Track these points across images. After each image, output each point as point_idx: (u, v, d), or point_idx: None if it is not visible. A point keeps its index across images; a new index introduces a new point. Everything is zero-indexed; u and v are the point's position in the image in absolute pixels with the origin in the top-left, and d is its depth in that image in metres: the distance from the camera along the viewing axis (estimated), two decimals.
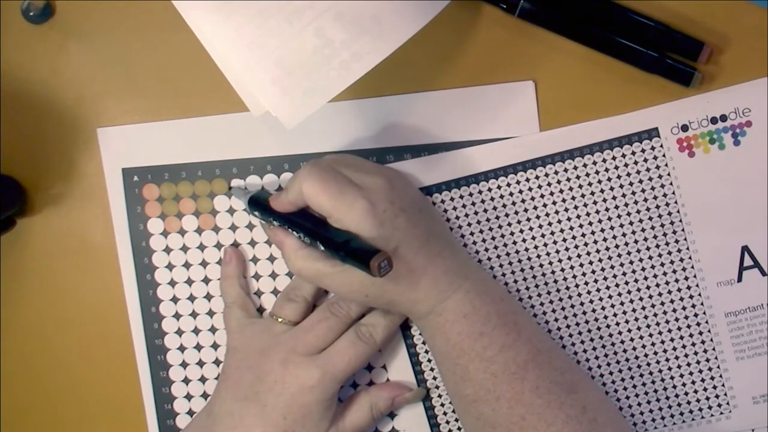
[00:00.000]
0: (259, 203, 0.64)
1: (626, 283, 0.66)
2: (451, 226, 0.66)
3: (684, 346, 0.67)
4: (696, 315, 0.66)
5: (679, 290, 0.66)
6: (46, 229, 0.68)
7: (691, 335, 0.66)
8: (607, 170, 0.66)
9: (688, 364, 0.67)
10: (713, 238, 0.66)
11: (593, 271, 0.66)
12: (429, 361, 0.67)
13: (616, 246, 0.66)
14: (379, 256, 0.56)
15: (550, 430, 0.59)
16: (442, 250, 0.61)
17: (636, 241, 0.66)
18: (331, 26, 0.58)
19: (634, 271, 0.66)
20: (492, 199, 0.66)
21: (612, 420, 0.62)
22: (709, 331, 0.66)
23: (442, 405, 0.67)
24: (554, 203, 0.66)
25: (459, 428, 0.67)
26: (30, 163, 0.67)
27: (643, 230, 0.66)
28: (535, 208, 0.66)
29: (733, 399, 0.67)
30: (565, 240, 0.66)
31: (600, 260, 0.66)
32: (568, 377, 0.61)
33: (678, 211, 0.66)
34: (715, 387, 0.67)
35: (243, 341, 0.64)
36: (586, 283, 0.66)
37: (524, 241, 0.66)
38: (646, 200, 0.66)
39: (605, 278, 0.66)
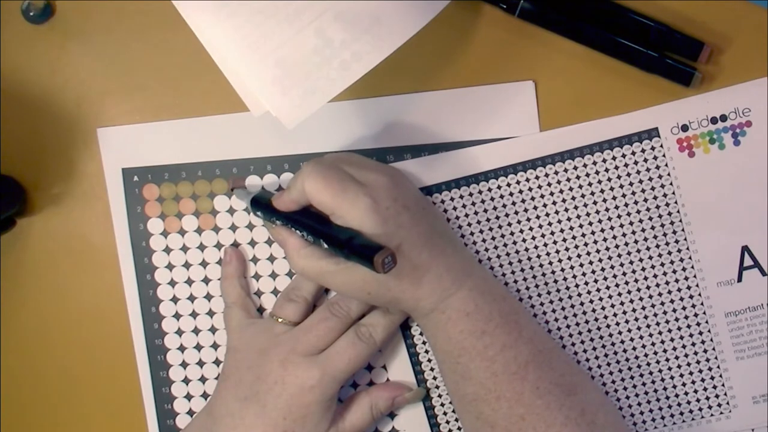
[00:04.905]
0: (261, 203, 0.64)
1: (626, 283, 0.66)
2: (451, 225, 0.66)
3: (684, 346, 0.67)
4: (696, 315, 0.66)
5: (679, 290, 0.66)
6: (46, 229, 0.68)
7: (691, 335, 0.66)
8: (607, 170, 0.66)
9: (688, 364, 0.67)
10: (713, 238, 0.66)
11: (593, 271, 0.66)
12: (429, 361, 0.67)
13: (616, 246, 0.66)
14: (382, 252, 0.55)
15: (549, 431, 0.59)
16: (445, 248, 0.61)
17: (636, 241, 0.66)
18: (331, 26, 0.58)
19: (634, 271, 0.66)
20: (492, 199, 0.66)
21: (611, 422, 0.62)
22: (709, 331, 0.66)
23: (442, 405, 0.67)
24: (554, 203, 0.66)
25: (459, 428, 0.67)
26: (30, 163, 0.67)
27: (643, 230, 0.66)
28: (535, 208, 0.66)
29: (733, 399, 0.67)
30: (565, 240, 0.66)
31: (600, 260, 0.66)
32: (568, 378, 0.61)
33: (678, 211, 0.66)
34: (715, 387, 0.67)
35: (243, 341, 0.64)
36: (586, 283, 0.66)
37: (524, 241, 0.66)
38: (646, 200, 0.66)
39: (605, 278, 0.66)
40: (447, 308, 0.60)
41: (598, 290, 0.66)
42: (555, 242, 0.66)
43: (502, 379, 0.59)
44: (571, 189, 0.66)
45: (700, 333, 0.66)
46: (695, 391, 0.67)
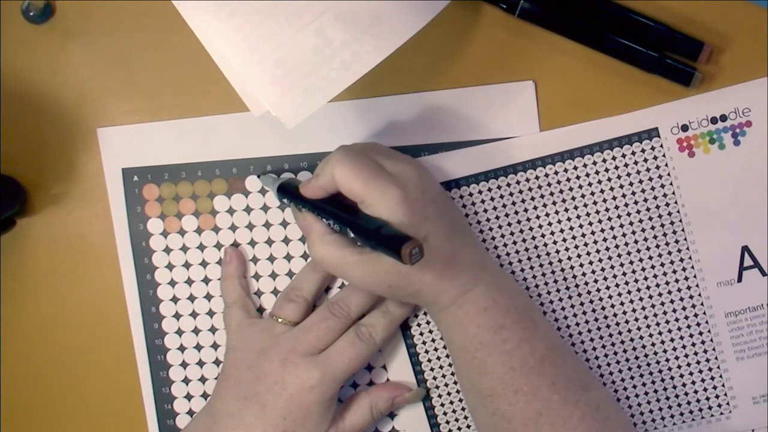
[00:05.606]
0: (288, 190, 0.63)
1: (626, 283, 0.66)
2: None
3: (684, 346, 0.67)
4: (696, 315, 0.66)
5: (679, 290, 0.66)
6: (46, 229, 0.68)
7: (691, 335, 0.66)
8: (607, 170, 0.66)
9: (688, 364, 0.67)
10: (713, 238, 0.66)
11: (593, 272, 0.66)
12: (429, 361, 0.67)
13: (617, 246, 0.66)
14: (411, 242, 0.55)
15: (566, 426, 0.58)
16: (465, 243, 0.61)
17: (636, 241, 0.66)
18: (331, 26, 0.58)
19: (634, 271, 0.66)
20: (492, 199, 0.66)
21: (622, 421, 0.62)
22: (709, 331, 0.66)
23: (442, 405, 0.67)
24: (554, 203, 0.66)
25: (459, 428, 0.67)
26: (30, 163, 0.67)
27: (643, 230, 0.66)
28: (535, 208, 0.66)
29: (733, 399, 0.67)
30: (564, 240, 0.66)
31: (600, 260, 0.66)
32: (581, 375, 0.61)
33: (678, 211, 0.66)
34: (715, 387, 0.67)
35: (243, 341, 0.64)
36: (586, 284, 0.66)
37: (524, 241, 0.66)
38: (646, 200, 0.66)
39: (605, 278, 0.66)
40: (465, 303, 0.60)
41: (598, 290, 0.66)
42: (555, 242, 0.66)
43: (519, 373, 0.59)
44: (571, 189, 0.66)
45: (700, 333, 0.66)
46: (695, 391, 0.67)
